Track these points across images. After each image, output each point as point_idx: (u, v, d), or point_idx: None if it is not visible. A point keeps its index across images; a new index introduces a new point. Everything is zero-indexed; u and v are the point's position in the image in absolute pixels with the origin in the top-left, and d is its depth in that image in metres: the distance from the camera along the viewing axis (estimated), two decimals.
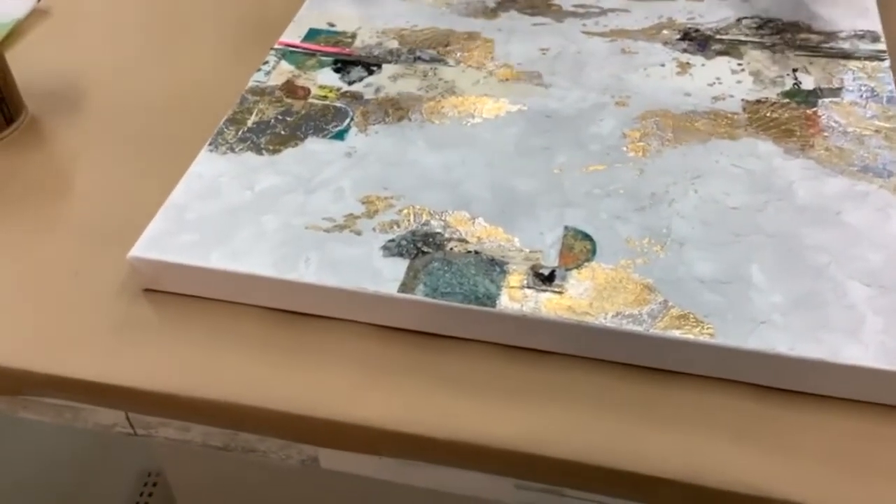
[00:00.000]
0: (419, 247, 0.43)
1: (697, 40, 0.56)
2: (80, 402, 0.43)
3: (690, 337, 0.38)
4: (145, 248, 0.43)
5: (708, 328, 0.39)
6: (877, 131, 0.49)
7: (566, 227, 0.44)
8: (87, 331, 0.43)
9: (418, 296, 0.41)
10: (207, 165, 0.48)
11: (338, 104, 0.52)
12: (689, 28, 0.57)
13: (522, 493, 0.40)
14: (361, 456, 0.40)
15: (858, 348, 0.37)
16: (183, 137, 0.52)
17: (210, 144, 0.49)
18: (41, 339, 0.43)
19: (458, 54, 0.56)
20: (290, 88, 0.53)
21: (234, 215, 0.45)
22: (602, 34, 0.57)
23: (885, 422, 0.38)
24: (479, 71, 0.54)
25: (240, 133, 0.50)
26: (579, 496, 0.39)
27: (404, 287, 0.41)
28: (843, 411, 0.38)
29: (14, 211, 0.49)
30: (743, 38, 0.56)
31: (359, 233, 0.44)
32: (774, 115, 0.50)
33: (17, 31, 0.62)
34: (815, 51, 0.55)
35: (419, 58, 0.55)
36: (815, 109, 0.51)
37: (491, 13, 0.60)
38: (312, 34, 0.58)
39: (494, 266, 0.42)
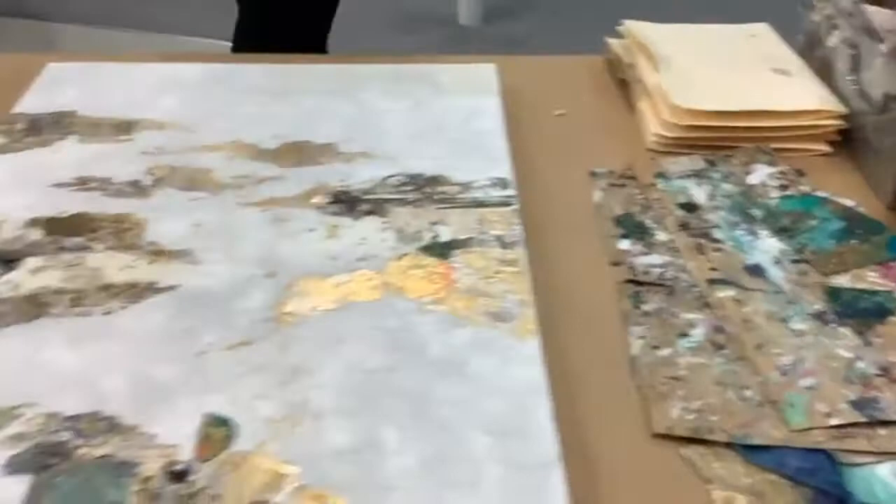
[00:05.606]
0: (45, 460, 0.41)
1: (346, 202, 0.60)
2: None
3: None
4: None
5: (340, 503, 0.40)
6: (501, 276, 0.53)
7: (204, 415, 0.44)
8: None
9: None
10: None
11: None
12: (340, 191, 0.61)
13: None
14: None
15: (479, 501, 0.40)
16: None
17: None
18: None
19: (109, 240, 0.55)
20: None
21: None
22: (256, 204, 0.59)
23: None
24: (128, 255, 0.54)
25: None
26: None
27: None
28: None
29: None
30: (388, 196, 0.60)
31: None
32: (413, 270, 0.54)
33: None
34: (452, 202, 0.60)
35: (64, 247, 0.54)
36: (449, 261, 0.55)
37: (145, 193, 0.60)
38: None
39: (125, 469, 0.41)
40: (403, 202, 0.60)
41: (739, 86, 0.71)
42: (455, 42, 2.11)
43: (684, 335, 0.51)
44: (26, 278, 0.52)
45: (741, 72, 0.73)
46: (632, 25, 0.78)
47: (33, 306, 0.50)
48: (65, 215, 0.57)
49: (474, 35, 2.17)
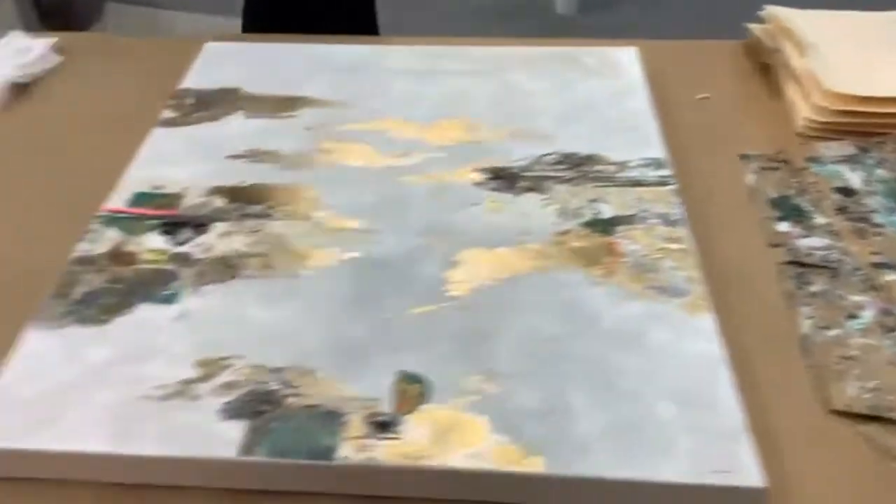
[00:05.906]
0: (257, 406, 0.44)
1: (505, 178, 0.61)
2: None
3: (523, 470, 0.41)
4: None
5: (538, 460, 0.41)
6: (667, 253, 0.54)
7: (399, 372, 0.46)
8: None
9: (259, 457, 0.41)
10: (34, 344, 0.47)
11: (167, 267, 0.53)
12: (498, 167, 0.62)
13: None
14: None
15: (672, 466, 0.41)
16: (4, 316, 0.51)
17: (35, 321, 0.49)
18: None
19: (285, 208, 0.58)
20: (116, 255, 0.53)
21: (64, 393, 0.44)
22: (418, 178, 0.61)
23: None
24: (306, 223, 0.57)
25: (67, 306, 0.50)
26: None
27: (244, 449, 0.42)
28: None
29: None
30: (545, 173, 0.62)
31: (195, 398, 0.44)
32: (578, 244, 0.55)
33: None
34: (609, 181, 0.61)
35: (246, 214, 0.57)
36: (613, 237, 0.56)
37: (312, 166, 0.62)
38: (139, 198, 0.58)
39: (333, 418, 0.43)
40: (561, 180, 0.61)
41: (890, 72, 0.70)
42: (552, 31, 2.11)
43: (853, 317, 0.52)
44: (215, 242, 0.55)
45: (890, 58, 0.72)
46: (775, 10, 0.78)
47: (227, 267, 0.53)
48: (244, 185, 0.60)
49: (571, 24, 2.17)
